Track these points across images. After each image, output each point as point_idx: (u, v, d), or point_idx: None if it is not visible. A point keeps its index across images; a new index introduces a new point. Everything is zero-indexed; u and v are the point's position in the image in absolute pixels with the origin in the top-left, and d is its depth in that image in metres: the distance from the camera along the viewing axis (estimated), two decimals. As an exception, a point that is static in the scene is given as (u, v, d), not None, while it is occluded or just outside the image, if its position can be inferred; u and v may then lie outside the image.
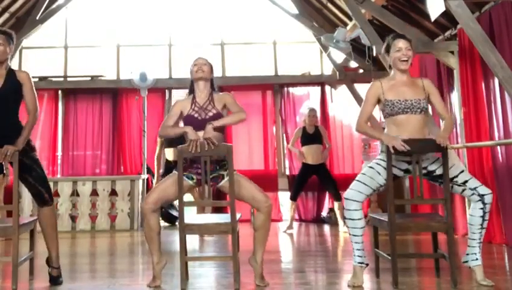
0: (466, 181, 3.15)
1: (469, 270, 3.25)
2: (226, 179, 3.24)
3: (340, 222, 6.34)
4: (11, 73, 3.48)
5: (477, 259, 3.12)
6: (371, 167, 3.25)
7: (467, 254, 3.16)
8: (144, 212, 3.26)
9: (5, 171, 3.40)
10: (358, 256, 3.18)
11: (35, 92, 3.54)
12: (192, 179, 3.32)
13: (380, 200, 6.92)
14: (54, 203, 3.45)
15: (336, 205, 6.42)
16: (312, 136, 6.57)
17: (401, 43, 3.26)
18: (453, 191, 3.20)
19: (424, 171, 3.18)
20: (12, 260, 3.18)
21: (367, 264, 3.20)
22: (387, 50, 3.33)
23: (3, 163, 3.27)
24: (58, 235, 3.51)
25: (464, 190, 3.13)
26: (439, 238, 3.66)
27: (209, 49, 8.41)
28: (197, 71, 3.51)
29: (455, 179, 3.15)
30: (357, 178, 3.24)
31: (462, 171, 3.20)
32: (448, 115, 3.32)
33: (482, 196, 3.07)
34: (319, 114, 7.96)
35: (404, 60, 3.24)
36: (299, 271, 3.91)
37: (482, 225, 3.08)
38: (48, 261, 3.48)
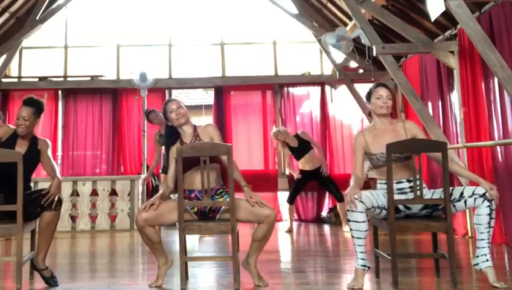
0: (462, 192, 3.15)
1: (469, 270, 3.25)
2: (225, 203, 3.23)
3: (343, 222, 6.36)
4: (34, 140, 3.63)
5: (487, 260, 3.08)
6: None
7: (477, 257, 3.12)
8: (138, 227, 3.25)
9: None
10: (361, 259, 3.15)
11: (50, 155, 3.66)
12: (193, 209, 3.32)
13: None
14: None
15: (338, 205, 6.44)
16: (299, 148, 6.62)
17: (382, 91, 3.38)
18: (457, 210, 3.19)
19: (424, 212, 3.27)
20: (16, 259, 3.18)
21: (369, 268, 3.18)
22: (369, 98, 3.43)
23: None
24: (58, 235, 3.53)
25: (465, 201, 3.12)
26: (439, 238, 3.66)
27: (209, 49, 8.42)
28: (178, 119, 3.46)
29: (453, 197, 3.16)
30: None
31: (454, 188, 3.23)
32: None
33: (484, 194, 3.06)
34: (319, 114, 7.99)
35: (383, 107, 3.33)
36: (299, 271, 3.91)
37: (489, 223, 3.05)
38: (34, 266, 3.47)
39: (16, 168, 3.18)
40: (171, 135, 3.57)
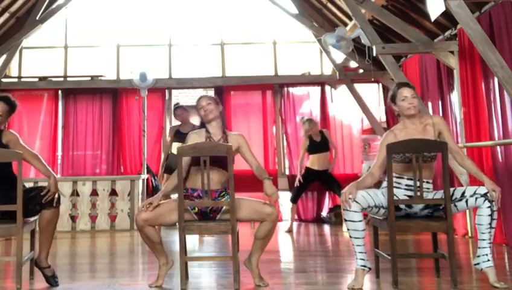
0: (463, 192, 3.15)
1: (469, 270, 3.25)
2: (226, 203, 3.22)
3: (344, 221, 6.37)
4: None
5: (488, 260, 3.08)
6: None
7: (478, 256, 3.12)
8: (138, 227, 3.25)
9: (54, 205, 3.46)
10: (361, 259, 3.16)
11: (25, 146, 3.57)
12: (193, 209, 3.32)
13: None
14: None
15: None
16: (320, 144, 6.59)
17: (405, 92, 3.32)
18: (459, 209, 3.19)
19: (425, 212, 3.28)
20: (16, 259, 3.18)
21: (369, 268, 3.18)
22: (393, 100, 3.38)
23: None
24: (58, 235, 3.53)
25: (467, 201, 3.12)
26: (439, 238, 3.66)
27: (209, 49, 8.42)
28: (206, 115, 3.47)
29: (454, 197, 3.16)
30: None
31: (455, 189, 3.24)
32: (459, 149, 3.36)
33: (485, 194, 3.06)
34: (319, 114, 7.99)
35: (410, 108, 3.29)
36: (299, 271, 3.91)
37: (490, 224, 3.05)
38: (37, 264, 3.47)
39: (6, 167, 3.17)
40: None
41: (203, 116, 3.49)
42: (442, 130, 3.32)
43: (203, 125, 3.56)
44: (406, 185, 3.26)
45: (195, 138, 3.45)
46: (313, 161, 6.60)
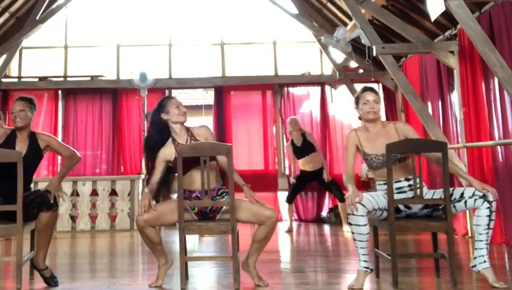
0: (462, 193, 3.15)
1: (469, 270, 3.25)
2: (226, 204, 3.22)
3: (344, 222, 6.36)
4: (32, 137, 3.63)
5: (485, 261, 3.08)
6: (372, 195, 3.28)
7: (474, 258, 3.12)
8: (139, 228, 3.24)
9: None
10: (364, 261, 3.16)
11: (63, 143, 3.77)
12: (193, 209, 3.31)
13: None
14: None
15: (340, 205, 6.44)
16: (302, 148, 6.58)
17: (368, 96, 3.35)
18: (457, 210, 3.19)
19: (424, 211, 3.29)
20: (16, 259, 3.18)
21: (371, 270, 3.19)
22: (357, 103, 3.42)
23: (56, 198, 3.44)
24: (58, 235, 3.53)
25: (465, 202, 3.12)
26: (439, 238, 3.66)
27: (209, 49, 8.42)
28: (183, 115, 3.40)
29: (453, 198, 3.16)
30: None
31: (454, 189, 3.23)
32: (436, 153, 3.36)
33: (484, 196, 3.06)
34: (319, 114, 7.99)
35: (370, 112, 3.32)
36: (299, 271, 3.91)
37: (488, 225, 3.05)
38: (35, 266, 3.47)
39: (14, 168, 3.17)
40: (162, 131, 3.42)
41: (178, 114, 3.38)
42: (408, 135, 3.31)
43: (164, 128, 3.42)
44: (396, 188, 3.24)
45: (163, 154, 3.36)
46: (303, 164, 6.62)
